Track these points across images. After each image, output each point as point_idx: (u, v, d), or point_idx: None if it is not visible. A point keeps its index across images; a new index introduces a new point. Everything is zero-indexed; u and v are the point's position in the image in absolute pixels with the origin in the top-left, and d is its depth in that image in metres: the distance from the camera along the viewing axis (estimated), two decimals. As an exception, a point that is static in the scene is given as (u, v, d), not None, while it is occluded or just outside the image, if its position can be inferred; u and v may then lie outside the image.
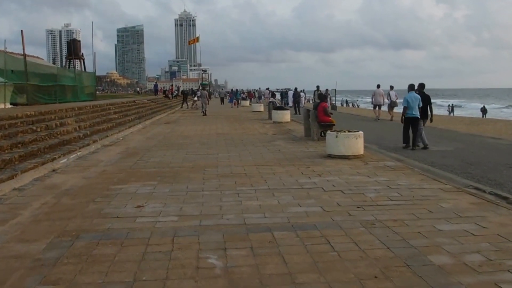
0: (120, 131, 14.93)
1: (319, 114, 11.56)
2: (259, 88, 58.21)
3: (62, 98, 21.95)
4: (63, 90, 22.80)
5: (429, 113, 11.17)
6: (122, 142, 12.49)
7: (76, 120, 14.30)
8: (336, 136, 8.67)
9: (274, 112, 18.89)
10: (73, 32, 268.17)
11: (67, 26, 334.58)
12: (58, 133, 11.48)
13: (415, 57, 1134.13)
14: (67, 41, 50.94)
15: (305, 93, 47.12)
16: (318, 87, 28.91)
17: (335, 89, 34.89)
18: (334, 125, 11.65)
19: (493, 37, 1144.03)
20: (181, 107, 33.79)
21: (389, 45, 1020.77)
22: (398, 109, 18.99)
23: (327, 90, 26.64)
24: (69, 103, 20.90)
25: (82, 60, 44.04)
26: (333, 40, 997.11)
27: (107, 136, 13.20)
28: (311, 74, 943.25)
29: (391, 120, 20.21)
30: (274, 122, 18.35)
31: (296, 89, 38.76)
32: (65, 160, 9.14)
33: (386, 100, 21.59)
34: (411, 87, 11.08)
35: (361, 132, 8.81)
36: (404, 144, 10.98)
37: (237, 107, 38.46)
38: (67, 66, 39.98)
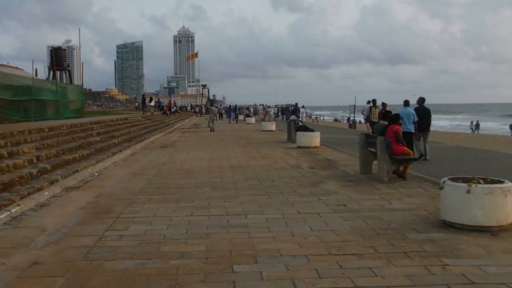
0: (99, 161, 10.98)
1: (392, 142, 7.61)
2: (255, 104, 56.90)
3: (39, 115, 18.09)
4: (42, 106, 18.96)
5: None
6: (96, 181, 8.53)
7: (39, 146, 10.41)
8: (468, 191, 4.74)
9: (299, 134, 14.86)
10: (73, 48, 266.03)
11: (67, 42, 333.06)
12: (-3, 170, 7.56)
13: (412, 71, 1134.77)
14: (50, 50, 46.52)
15: (305, 109, 44.12)
16: (374, 101, 18.39)
17: (354, 105, 31.13)
18: (414, 159, 7.74)
19: (492, 51, 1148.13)
20: (143, 113, 32.67)
21: (386, 60, 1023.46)
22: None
23: (383, 104, 16.85)
24: (47, 121, 17.08)
25: (67, 72, 39.47)
26: (329, 56, 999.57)
27: (77, 171, 9.25)
28: (309, 90, 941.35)
29: None
30: (299, 147, 14.43)
31: (296, 104, 35.80)
32: (-20, 228, 5.20)
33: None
34: (406, 103, 11.34)
35: (509, 184, 4.87)
36: None
37: (236, 122, 37.47)
38: (50, 79, 35.81)
